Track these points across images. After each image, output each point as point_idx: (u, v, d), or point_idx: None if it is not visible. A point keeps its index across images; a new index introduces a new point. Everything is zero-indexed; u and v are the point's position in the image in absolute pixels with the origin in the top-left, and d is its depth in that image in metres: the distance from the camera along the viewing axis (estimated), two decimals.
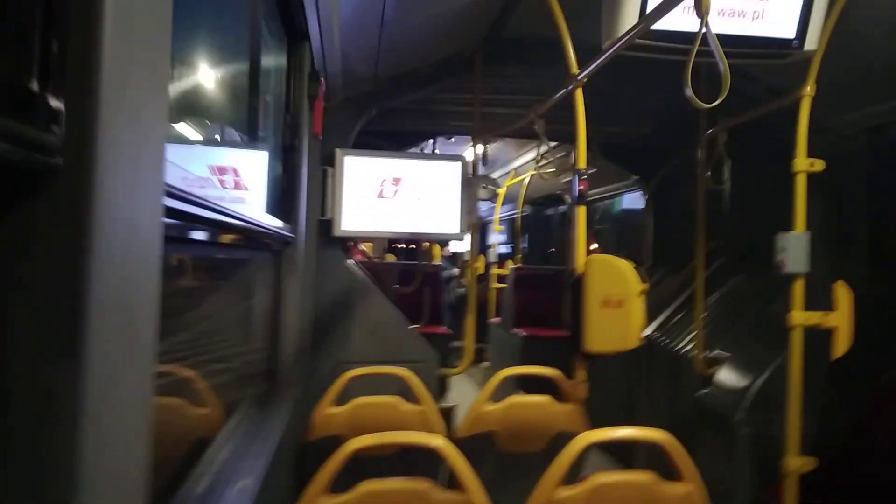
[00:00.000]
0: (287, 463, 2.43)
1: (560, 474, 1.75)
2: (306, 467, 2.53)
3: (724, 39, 2.02)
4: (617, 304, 2.44)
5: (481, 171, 4.08)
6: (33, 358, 0.53)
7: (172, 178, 0.83)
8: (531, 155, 6.31)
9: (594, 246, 8.08)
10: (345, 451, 1.72)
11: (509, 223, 10.99)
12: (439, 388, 4.05)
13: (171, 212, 0.85)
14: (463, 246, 7.52)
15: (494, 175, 8.12)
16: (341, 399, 2.67)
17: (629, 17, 2.24)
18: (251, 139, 2.53)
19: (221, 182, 2.10)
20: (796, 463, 2.63)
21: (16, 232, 0.53)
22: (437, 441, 1.77)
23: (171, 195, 0.84)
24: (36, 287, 0.53)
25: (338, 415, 2.61)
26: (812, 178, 2.70)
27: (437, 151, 6.20)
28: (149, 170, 0.68)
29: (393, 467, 2.17)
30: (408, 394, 2.74)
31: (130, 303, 0.64)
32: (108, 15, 0.55)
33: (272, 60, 2.52)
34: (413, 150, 5.72)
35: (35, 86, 0.51)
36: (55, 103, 0.53)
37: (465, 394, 5.84)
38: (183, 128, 1.91)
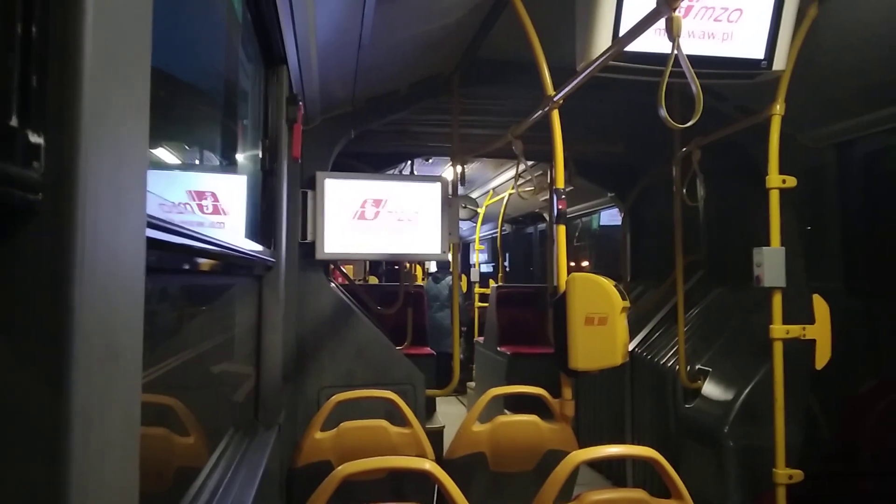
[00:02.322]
0: (275, 491, 2.38)
1: (553, 493, 1.74)
2: (295, 495, 2.49)
3: (696, 60, 2.07)
4: (600, 321, 2.45)
5: (460, 191, 4.10)
6: (18, 395, 0.52)
7: (151, 205, 0.83)
8: (509, 174, 6.38)
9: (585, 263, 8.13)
10: (335, 478, 1.69)
11: (490, 242, 11.04)
12: (426, 410, 4.02)
13: (152, 242, 0.84)
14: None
15: (473, 195, 8.18)
16: (328, 424, 2.63)
17: (603, 40, 2.29)
18: (230, 163, 2.52)
19: (200, 207, 2.08)
20: (784, 474, 2.65)
21: None
22: (427, 464, 1.75)
23: (152, 226, 0.84)
24: (18, 325, 0.52)
25: (325, 440, 2.57)
26: (786, 192, 2.76)
27: (415, 173, 6.22)
28: (130, 202, 0.67)
29: (382, 491, 2.14)
30: (395, 416, 2.72)
31: (115, 335, 0.63)
32: (88, 47, 0.55)
33: (250, 84, 2.52)
34: (391, 171, 5.74)
35: (14, 121, 0.51)
36: (35, 139, 0.52)
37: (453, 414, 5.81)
38: (161, 153, 1.90)
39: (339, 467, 1.73)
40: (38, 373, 0.52)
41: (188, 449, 1.57)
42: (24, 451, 0.52)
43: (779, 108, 2.73)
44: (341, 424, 2.62)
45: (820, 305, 2.69)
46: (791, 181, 2.74)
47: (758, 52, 2.50)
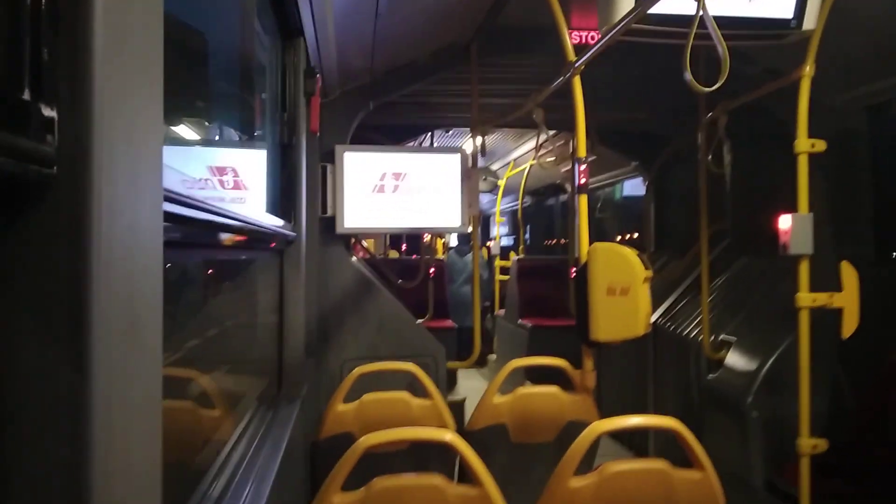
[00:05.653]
0: (299, 462, 2.43)
1: (573, 464, 1.74)
2: (318, 465, 2.54)
3: (722, 21, 2.00)
4: (622, 291, 2.43)
5: (480, 162, 4.06)
6: (39, 368, 0.52)
7: (171, 181, 0.82)
8: (530, 145, 6.30)
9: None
10: (358, 449, 1.71)
11: (511, 214, 10.98)
12: (447, 382, 4.05)
13: (171, 216, 0.84)
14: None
15: (494, 167, 8.11)
16: (350, 396, 2.66)
17: (626, 2, 2.22)
18: (249, 138, 2.52)
19: (221, 182, 2.09)
20: (808, 444, 2.63)
21: (14, 244, 0.52)
22: (449, 435, 1.77)
23: (170, 199, 0.83)
24: (37, 297, 0.52)
25: (347, 412, 2.61)
26: (814, 157, 2.68)
27: (435, 144, 6.18)
28: (146, 175, 0.67)
29: (404, 462, 2.17)
30: (416, 388, 2.74)
31: (134, 309, 0.63)
32: (99, 20, 0.54)
33: (267, 57, 2.51)
34: (411, 143, 5.70)
35: (27, 95, 0.50)
36: (48, 112, 0.51)
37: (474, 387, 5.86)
38: (181, 129, 1.90)
39: (362, 438, 1.75)
40: (59, 349, 0.52)
41: (213, 422, 1.59)
42: (46, 428, 0.52)
43: (808, 70, 2.63)
44: (363, 396, 2.65)
45: (848, 272, 2.63)
46: (820, 145, 2.66)
47: (786, 12, 2.41)
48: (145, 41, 0.66)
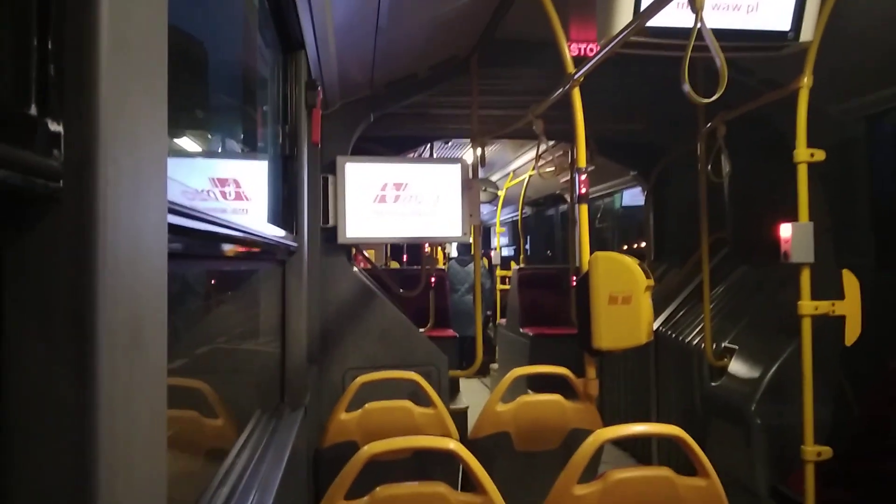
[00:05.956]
0: (302, 471, 2.42)
1: (577, 472, 1.74)
2: (321, 474, 2.53)
3: (720, 34, 2.02)
4: (624, 300, 2.43)
5: (480, 173, 4.08)
6: (44, 379, 0.53)
7: (173, 192, 0.83)
8: (530, 155, 6.33)
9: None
10: (361, 458, 1.71)
11: (511, 225, 10.99)
12: (450, 391, 4.05)
13: (174, 228, 0.85)
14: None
15: (494, 177, 8.13)
16: (352, 405, 2.67)
17: (624, 15, 2.25)
18: (251, 149, 2.53)
19: (223, 194, 2.10)
20: (812, 452, 2.62)
21: (20, 256, 0.53)
22: (452, 444, 1.77)
23: (173, 211, 0.84)
24: (43, 309, 0.53)
25: (350, 421, 2.61)
26: (814, 166, 2.70)
27: (434, 155, 6.20)
28: (151, 188, 0.68)
29: (408, 471, 2.17)
30: (419, 398, 2.74)
31: (139, 320, 0.64)
32: (104, 35, 0.55)
33: (269, 70, 2.53)
34: (411, 154, 5.72)
35: (33, 110, 0.51)
36: (54, 127, 0.52)
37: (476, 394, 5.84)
38: (184, 140, 1.91)
39: (365, 447, 1.75)
40: (64, 360, 0.53)
41: (217, 431, 1.60)
42: (51, 438, 0.53)
43: (806, 81, 2.65)
44: (366, 405, 2.65)
45: (850, 281, 2.63)
46: (819, 155, 2.68)
47: (784, 24, 2.43)
48: (150, 55, 0.68)
